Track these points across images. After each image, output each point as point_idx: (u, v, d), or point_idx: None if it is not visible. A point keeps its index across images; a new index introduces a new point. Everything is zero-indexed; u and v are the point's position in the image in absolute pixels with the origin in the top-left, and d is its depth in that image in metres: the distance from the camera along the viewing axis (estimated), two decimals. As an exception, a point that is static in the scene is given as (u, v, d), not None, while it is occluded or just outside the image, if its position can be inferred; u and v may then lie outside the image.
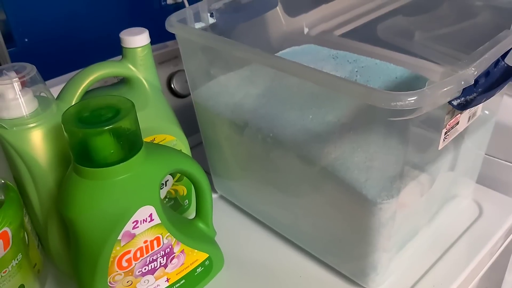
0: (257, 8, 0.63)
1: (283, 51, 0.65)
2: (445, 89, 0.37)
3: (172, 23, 0.52)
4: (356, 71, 0.57)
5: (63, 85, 0.50)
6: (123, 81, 0.53)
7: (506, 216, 0.58)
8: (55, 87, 0.52)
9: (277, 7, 0.69)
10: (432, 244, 0.54)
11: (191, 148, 0.57)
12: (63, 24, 0.80)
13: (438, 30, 0.67)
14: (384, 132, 0.41)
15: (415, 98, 0.35)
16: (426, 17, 0.67)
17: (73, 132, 0.38)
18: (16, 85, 0.44)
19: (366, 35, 0.73)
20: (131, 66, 0.51)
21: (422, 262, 0.52)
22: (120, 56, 0.51)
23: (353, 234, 0.47)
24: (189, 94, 0.64)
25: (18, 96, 0.44)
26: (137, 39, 0.50)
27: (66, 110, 0.40)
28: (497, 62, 0.44)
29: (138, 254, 0.43)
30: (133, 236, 0.42)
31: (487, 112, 0.54)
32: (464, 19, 0.61)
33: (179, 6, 0.93)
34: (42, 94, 0.48)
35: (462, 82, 0.37)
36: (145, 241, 0.43)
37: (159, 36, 0.63)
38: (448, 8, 0.63)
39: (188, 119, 0.60)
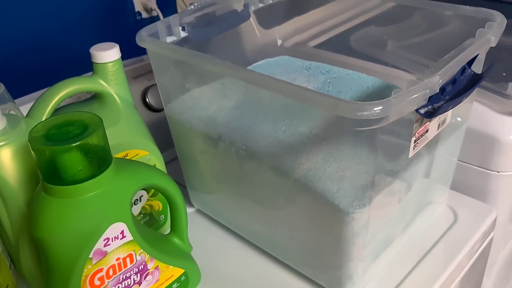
0: (229, 21, 0.63)
1: (257, 63, 0.65)
2: (411, 97, 0.37)
3: (142, 38, 0.52)
4: (329, 82, 0.58)
5: (32, 103, 0.49)
6: (95, 97, 0.53)
7: (481, 221, 0.59)
8: (25, 105, 0.52)
9: (251, 20, 0.70)
10: (408, 252, 0.55)
11: (168, 163, 0.57)
12: (35, 41, 0.80)
13: (410, 39, 0.68)
14: (354, 142, 0.41)
15: (380, 107, 0.35)
16: (398, 27, 0.68)
17: (40, 150, 0.38)
18: (-17, 104, 0.43)
19: (340, 45, 0.74)
20: (102, 81, 0.50)
21: (398, 270, 0.53)
22: (91, 72, 0.51)
23: (328, 245, 0.47)
24: (164, 108, 0.63)
25: (-15, 114, 0.43)
26: (107, 54, 0.49)
27: (33, 127, 0.39)
28: (463, 70, 0.45)
29: (111, 272, 0.43)
30: (104, 253, 0.41)
31: (459, 119, 0.55)
32: (435, 28, 0.62)
33: (154, 20, 0.92)
34: (11, 112, 0.48)
35: (427, 91, 0.38)
36: (118, 259, 0.43)
37: (135, 50, 0.62)
38: (420, 18, 0.64)
39: (164, 134, 0.59)
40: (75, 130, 0.39)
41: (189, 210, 0.63)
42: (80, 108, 0.52)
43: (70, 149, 0.38)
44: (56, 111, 0.49)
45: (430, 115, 0.40)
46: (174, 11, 0.97)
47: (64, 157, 0.38)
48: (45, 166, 0.39)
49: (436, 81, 0.39)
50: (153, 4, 0.92)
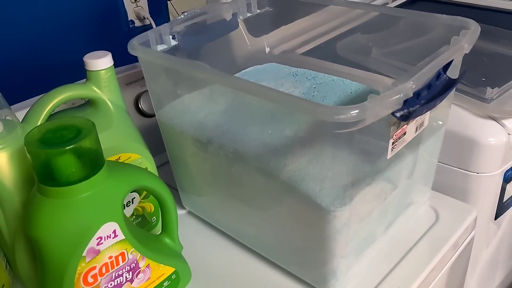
0: (218, 30, 0.65)
1: (246, 70, 0.68)
2: (386, 101, 0.40)
3: (134, 46, 0.54)
4: (314, 87, 0.60)
5: (28, 109, 0.51)
6: (88, 103, 0.55)
7: (462, 220, 0.61)
8: (20, 111, 0.53)
9: (240, 28, 0.72)
10: (391, 250, 0.57)
11: (159, 167, 0.59)
12: (30, 49, 0.81)
13: (393, 46, 0.71)
14: (335, 144, 0.44)
15: (357, 111, 0.38)
16: (383, 34, 0.71)
17: (35, 152, 0.40)
18: (-19, 110, 0.45)
19: (326, 52, 0.76)
20: (95, 88, 0.53)
21: (381, 267, 0.55)
22: (85, 79, 0.53)
23: (312, 242, 0.49)
24: (156, 113, 0.65)
25: (-17, 120, 0.45)
26: (100, 62, 0.52)
27: (29, 132, 0.41)
28: (438, 75, 0.48)
29: (104, 270, 0.44)
30: (97, 252, 0.43)
31: (440, 122, 0.58)
32: (417, 36, 0.64)
33: (147, 29, 0.95)
34: (7, 117, 0.49)
35: (401, 95, 0.40)
36: (110, 257, 0.44)
37: (128, 58, 0.64)
38: (404, 26, 0.66)
39: (157, 138, 0.61)
40: (69, 134, 0.41)
41: (180, 212, 0.65)
42: (74, 114, 0.54)
43: (64, 152, 0.40)
44: (51, 116, 0.51)
45: (405, 118, 0.43)
46: (167, 19, 0.99)
47: (58, 159, 0.40)
48: (40, 168, 0.41)
49: (409, 86, 0.41)
50: (145, 13, 0.94)
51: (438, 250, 0.57)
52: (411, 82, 0.41)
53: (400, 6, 0.99)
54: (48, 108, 0.50)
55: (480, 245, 0.72)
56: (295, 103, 0.41)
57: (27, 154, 0.40)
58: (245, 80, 0.46)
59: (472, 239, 0.64)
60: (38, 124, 0.49)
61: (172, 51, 0.60)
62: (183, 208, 0.66)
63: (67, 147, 0.39)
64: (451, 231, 0.60)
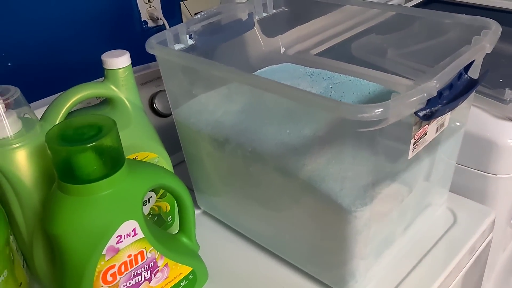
0: (234, 30, 0.65)
1: (262, 69, 0.68)
2: (409, 100, 0.39)
3: (152, 45, 0.54)
4: (331, 87, 0.60)
5: (46, 107, 0.51)
6: (105, 102, 0.55)
7: (480, 222, 0.60)
8: (38, 109, 0.54)
9: (255, 28, 0.72)
10: (409, 252, 0.56)
11: (174, 166, 0.59)
12: (46, 48, 0.82)
13: (409, 47, 0.70)
14: (355, 144, 0.43)
15: (381, 110, 0.37)
16: (399, 35, 0.70)
17: (56, 150, 0.40)
18: (0, 107, 0.45)
19: (341, 53, 0.76)
20: (113, 87, 0.53)
21: (400, 269, 0.54)
22: (102, 78, 0.53)
23: (331, 243, 0.49)
24: (171, 113, 0.65)
25: (3, 117, 0.45)
26: (118, 61, 0.52)
27: (50, 129, 0.41)
28: (460, 75, 0.47)
29: (123, 269, 0.44)
30: (117, 250, 0.43)
31: (458, 123, 0.57)
32: (434, 36, 0.64)
33: (160, 29, 0.95)
34: (26, 115, 0.49)
35: (425, 94, 0.40)
36: (129, 256, 0.44)
37: (141, 58, 0.65)
38: (419, 26, 0.66)
39: (170, 138, 0.61)
40: (90, 132, 0.41)
41: (196, 212, 0.64)
42: (93, 112, 0.54)
43: (85, 150, 0.40)
44: (69, 115, 0.51)
45: (428, 117, 0.42)
46: (179, 20, 0.99)
47: (79, 157, 0.40)
48: (61, 165, 0.40)
49: (433, 85, 0.41)
50: (159, 14, 0.94)
51: (456, 253, 0.57)
52: (435, 81, 0.41)
53: (414, 7, 0.98)
54: (67, 106, 0.50)
55: (496, 248, 0.71)
56: (317, 101, 0.41)
57: (48, 151, 0.40)
58: (266, 78, 0.45)
59: (490, 241, 0.63)
60: (57, 122, 0.49)
61: (188, 50, 0.60)
62: (198, 208, 0.65)
63: (89, 145, 0.39)
64: (469, 233, 0.59)
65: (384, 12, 0.67)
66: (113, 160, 0.42)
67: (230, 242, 0.61)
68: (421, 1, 1.00)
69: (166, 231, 0.60)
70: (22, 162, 0.47)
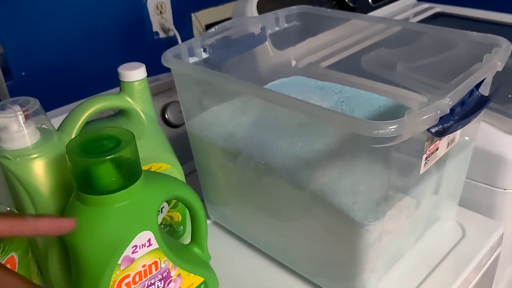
0: (247, 43, 0.66)
1: (272, 82, 0.68)
2: (423, 118, 0.40)
3: (167, 58, 0.55)
4: (342, 101, 0.61)
5: (60, 117, 0.52)
6: (120, 113, 0.56)
7: (488, 236, 0.61)
8: (53, 119, 0.54)
9: (266, 42, 0.73)
10: (418, 265, 0.57)
11: (185, 176, 0.60)
12: (59, 58, 0.84)
13: (419, 61, 0.71)
14: (369, 158, 0.44)
15: (395, 126, 0.38)
16: (408, 49, 0.71)
17: (76, 161, 0.41)
18: (20, 118, 0.46)
19: (351, 66, 0.77)
20: (128, 99, 0.53)
21: (409, 282, 0.55)
22: (117, 89, 0.54)
23: (342, 255, 0.49)
24: (182, 124, 0.66)
25: (22, 128, 0.46)
26: (134, 73, 0.53)
27: (70, 141, 0.42)
28: (471, 92, 0.48)
29: (137, 278, 0.45)
30: (132, 260, 0.44)
31: (467, 138, 0.58)
32: (443, 51, 0.65)
33: (171, 40, 0.97)
34: (43, 125, 0.50)
35: (439, 112, 0.41)
36: (144, 265, 0.45)
37: (152, 68, 0.66)
38: (428, 40, 0.67)
39: (182, 148, 0.62)
40: (109, 144, 0.42)
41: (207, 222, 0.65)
42: (108, 124, 0.55)
43: (104, 162, 0.40)
44: (85, 126, 0.52)
45: (440, 134, 0.43)
46: (190, 31, 1.01)
47: (99, 168, 0.41)
48: (80, 176, 0.41)
49: (446, 103, 0.41)
50: (170, 25, 0.95)
51: (464, 267, 0.57)
52: (448, 99, 0.42)
53: (422, 21, 0.99)
54: (84, 117, 0.51)
55: (504, 261, 0.71)
56: (333, 117, 0.42)
57: (68, 162, 0.41)
58: (279, 92, 0.46)
59: (498, 255, 0.63)
60: (74, 133, 0.50)
61: (202, 63, 0.61)
62: (209, 218, 0.66)
63: (108, 157, 0.40)
64: (478, 247, 0.60)
65: (389, 26, 0.68)
66: (131, 172, 0.42)
67: (240, 252, 0.61)
68: (429, 15, 1.01)
69: (177, 241, 0.60)
70: (40, 172, 0.47)
